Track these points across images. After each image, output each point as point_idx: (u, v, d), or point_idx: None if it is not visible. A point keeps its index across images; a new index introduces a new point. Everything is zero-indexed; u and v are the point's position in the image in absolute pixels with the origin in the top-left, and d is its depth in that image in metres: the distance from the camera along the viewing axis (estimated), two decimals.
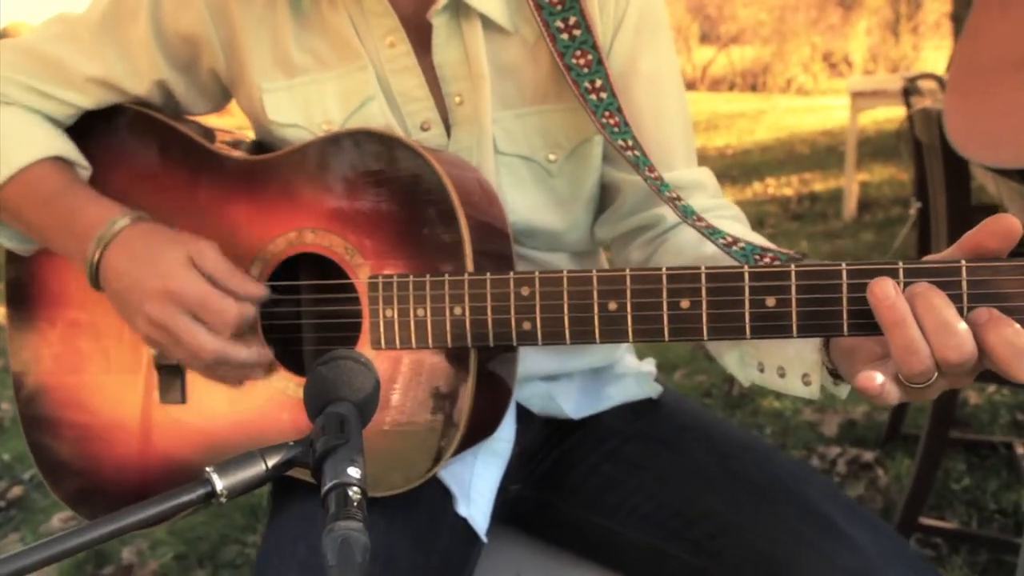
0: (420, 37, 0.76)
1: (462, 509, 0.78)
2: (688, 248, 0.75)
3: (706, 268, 0.60)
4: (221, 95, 0.85)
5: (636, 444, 0.85)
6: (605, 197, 0.85)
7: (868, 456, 1.92)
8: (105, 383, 0.81)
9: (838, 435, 2.04)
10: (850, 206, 4.07)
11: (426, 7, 0.74)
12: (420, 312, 0.68)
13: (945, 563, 1.56)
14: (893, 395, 0.54)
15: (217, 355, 0.70)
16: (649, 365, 0.95)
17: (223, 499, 0.40)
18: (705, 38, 16.00)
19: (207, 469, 0.41)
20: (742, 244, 0.69)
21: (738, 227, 0.77)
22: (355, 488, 0.39)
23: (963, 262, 0.53)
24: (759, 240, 0.72)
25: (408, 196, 0.70)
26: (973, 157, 1.24)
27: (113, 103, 0.82)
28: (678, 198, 0.73)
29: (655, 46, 0.80)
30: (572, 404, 0.88)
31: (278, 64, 0.77)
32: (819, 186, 4.84)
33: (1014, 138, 1.19)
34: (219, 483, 0.40)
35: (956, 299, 0.53)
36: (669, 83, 0.82)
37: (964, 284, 0.53)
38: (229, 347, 0.71)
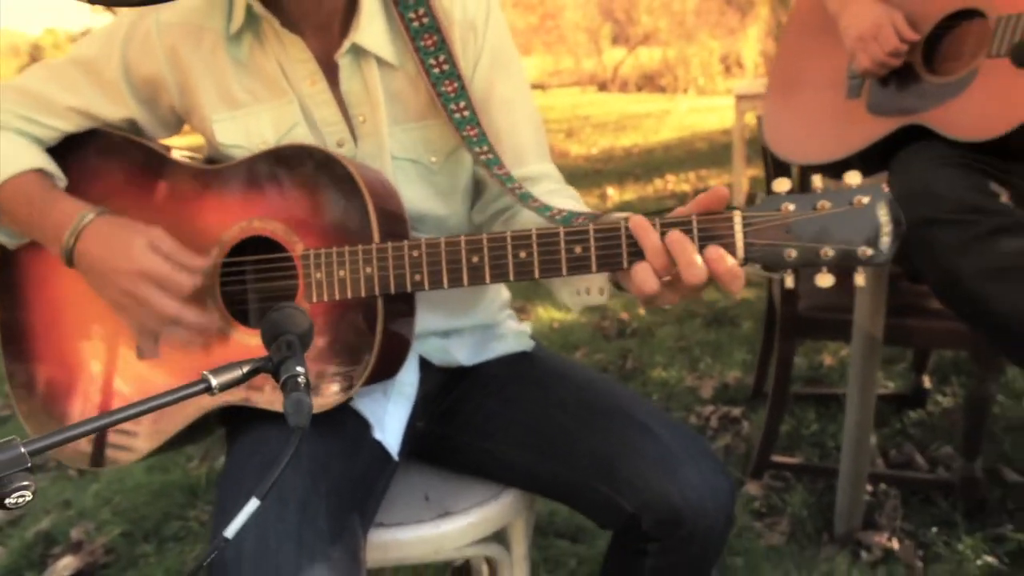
0: (331, 73, 1.01)
1: (377, 435, 1.02)
2: (529, 221, 1.01)
3: (536, 230, 0.85)
4: (176, 123, 1.07)
5: (513, 385, 1.10)
6: (476, 189, 1.12)
7: (736, 412, 2.25)
8: (89, 344, 1.03)
9: (713, 396, 2.37)
10: (739, 199, 4.46)
11: (334, 50, 0.99)
12: (341, 273, 0.92)
13: (791, 490, 1.89)
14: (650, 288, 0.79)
15: (175, 316, 0.93)
16: (525, 327, 1.21)
17: (216, 391, 0.63)
18: (616, 40, 16.51)
19: (204, 372, 0.64)
20: (564, 213, 0.95)
21: (570, 202, 1.03)
22: (301, 377, 0.63)
23: (694, 216, 0.80)
24: (579, 209, 0.98)
25: (330, 190, 0.95)
26: (782, 155, 1.55)
27: (90, 128, 1.03)
28: (519, 187, 0.99)
29: (507, 76, 1.07)
30: (464, 354, 1.13)
31: (223, 100, 1.00)
32: (714, 181, 5.24)
33: (810, 141, 1.51)
34: (214, 380, 0.63)
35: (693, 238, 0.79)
36: (520, 102, 1.08)
37: (695, 231, 0.80)
38: (184, 310, 0.94)
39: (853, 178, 0.78)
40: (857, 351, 1.61)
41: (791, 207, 0.78)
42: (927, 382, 2.24)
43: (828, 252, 0.77)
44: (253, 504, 0.53)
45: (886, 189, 0.77)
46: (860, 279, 0.78)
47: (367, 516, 0.96)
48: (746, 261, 0.80)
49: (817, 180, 0.79)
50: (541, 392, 1.08)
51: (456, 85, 1.02)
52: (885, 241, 0.76)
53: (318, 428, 0.93)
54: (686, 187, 5.18)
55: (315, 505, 0.86)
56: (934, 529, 1.73)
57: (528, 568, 1.15)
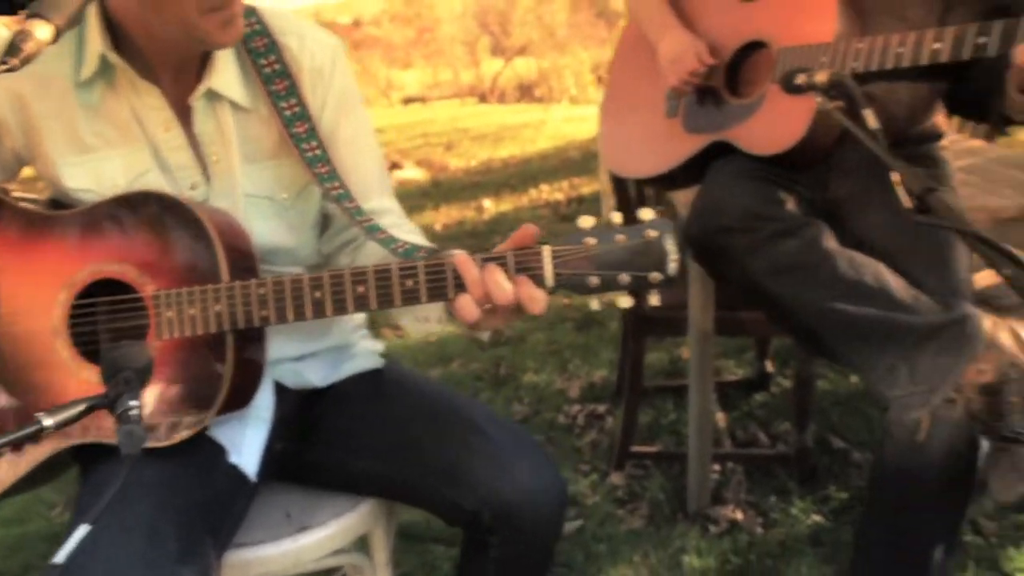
0: (185, 116, 1.06)
1: (234, 459, 1.07)
2: (373, 251, 1.10)
3: (373, 266, 0.94)
4: (16, 166, 1.09)
5: (365, 401, 1.18)
6: (324, 222, 1.19)
7: (601, 409, 2.40)
8: None
9: (580, 396, 2.51)
10: (608, 205, 4.69)
11: (188, 93, 1.04)
12: (192, 312, 0.97)
13: (650, 477, 2.04)
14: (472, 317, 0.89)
15: None
16: (377, 345, 1.29)
17: (51, 430, 0.68)
18: (495, 51, 16.78)
19: (37, 414, 0.68)
20: (407, 246, 1.04)
21: (412, 236, 1.12)
22: (134, 410, 0.69)
23: (510, 252, 0.91)
24: (420, 242, 1.07)
25: (178, 233, 1.00)
26: (616, 171, 1.70)
27: None
28: (367, 220, 1.07)
29: (352, 117, 1.15)
30: (318, 376, 1.20)
31: (71, 144, 1.03)
32: (586, 189, 5.47)
33: (639, 157, 1.66)
34: (48, 420, 0.68)
35: (506, 271, 0.90)
36: (364, 143, 1.17)
37: (511, 262, 0.90)
38: None
39: (646, 214, 0.91)
40: (693, 343, 1.78)
41: (593, 241, 0.90)
42: (770, 366, 2.47)
43: (625, 278, 0.90)
44: (83, 530, 0.59)
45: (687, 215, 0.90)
46: (654, 299, 0.91)
47: (222, 537, 1.01)
48: (556, 288, 0.91)
49: (616, 217, 0.92)
50: (390, 406, 1.17)
51: (307, 126, 1.09)
52: (672, 266, 0.90)
53: (170, 456, 0.97)
54: (559, 196, 5.38)
55: (164, 530, 0.90)
56: (773, 498, 1.93)
57: (391, 573, 1.23)
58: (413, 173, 7.41)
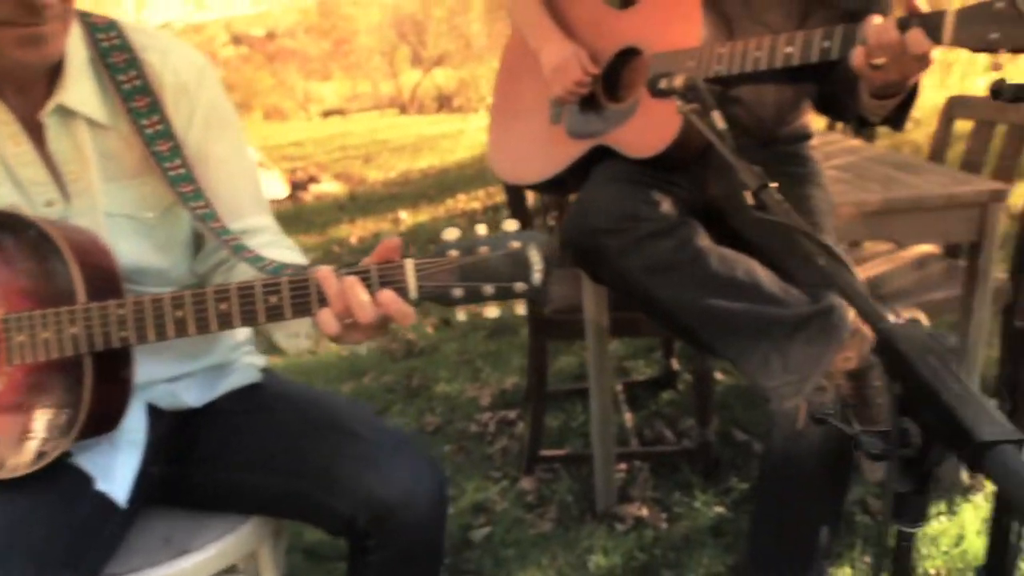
0: (36, 132, 1.01)
1: (101, 486, 1.03)
2: (248, 272, 1.07)
3: (235, 284, 0.92)
4: None
5: (242, 415, 1.16)
6: (198, 242, 1.16)
7: (512, 415, 2.41)
8: None
9: (491, 403, 2.52)
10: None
11: (38, 109, 0.99)
12: (45, 335, 0.93)
13: (559, 480, 2.06)
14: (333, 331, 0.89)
15: None
16: (259, 360, 1.27)
17: None
18: (414, 62, 16.73)
19: None
20: (275, 264, 1.02)
21: (287, 253, 1.10)
22: None
23: (373, 266, 0.90)
24: (293, 260, 1.06)
25: (29, 253, 0.95)
26: (504, 178, 1.72)
27: None
28: (234, 239, 1.05)
29: (222, 135, 1.12)
30: (193, 396, 1.17)
31: None
32: (500, 198, 5.50)
33: (526, 164, 1.68)
34: None
35: (370, 284, 0.90)
36: (236, 162, 1.14)
37: (374, 276, 0.90)
38: None
39: (510, 225, 0.93)
40: (591, 345, 1.81)
41: (456, 253, 0.91)
42: (676, 364, 2.52)
43: (489, 289, 0.91)
44: None
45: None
46: (519, 308, 0.92)
47: (85, 568, 0.97)
48: (420, 300, 0.91)
49: (481, 228, 0.93)
50: (267, 417, 1.15)
51: (170, 144, 1.06)
52: (536, 276, 0.91)
53: (26, 486, 0.93)
54: (476, 205, 5.40)
55: (13, 562, 0.86)
56: (677, 493, 1.97)
57: None
58: (330, 186, 7.31)
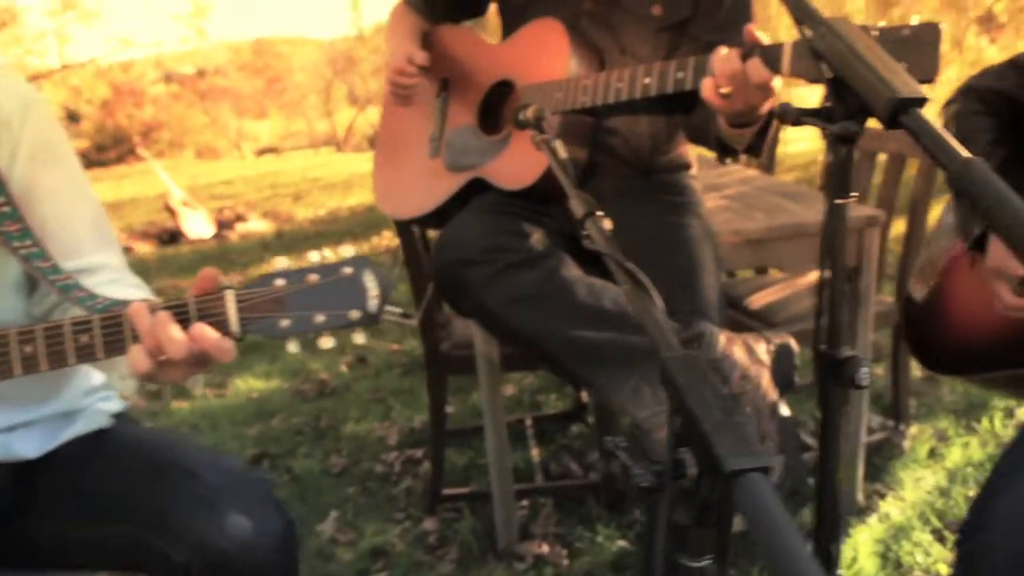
0: None
1: None
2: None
3: (42, 324, 0.86)
4: None
5: (84, 465, 1.09)
6: (32, 283, 1.09)
7: (418, 454, 2.36)
8: None
9: (399, 442, 2.46)
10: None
11: None
12: None
13: (463, 519, 2.01)
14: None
15: None
16: (112, 405, 1.20)
17: None
18: (350, 100, 16.72)
19: None
20: (107, 302, 0.97)
21: (131, 291, 1.05)
22: None
23: (191, 299, 0.86)
24: (137, 296, 1.01)
25: None
26: (389, 213, 1.70)
27: None
28: (65, 278, 1.00)
29: (53, 169, 1.07)
30: (32, 446, 1.09)
31: None
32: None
33: (408, 198, 1.66)
34: None
35: (187, 318, 0.85)
36: (70, 195, 1.09)
37: (192, 309, 0.86)
38: None
39: (345, 251, 0.90)
40: (482, 381, 1.78)
41: (282, 283, 0.87)
42: (585, 397, 2.51)
43: (320, 318, 0.87)
44: None
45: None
46: (358, 338, 0.89)
47: None
48: (244, 333, 0.88)
49: (313, 255, 0.89)
50: (109, 463, 1.08)
51: None
52: (372, 303, 0.88)
53: None
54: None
55: None
56: (580, 527, 1.94)
57: None
58: (257, 225, 7.20)
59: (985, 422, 2.31)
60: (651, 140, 1.52)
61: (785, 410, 1.28)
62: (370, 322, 0.89)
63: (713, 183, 2.24)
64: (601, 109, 1.36)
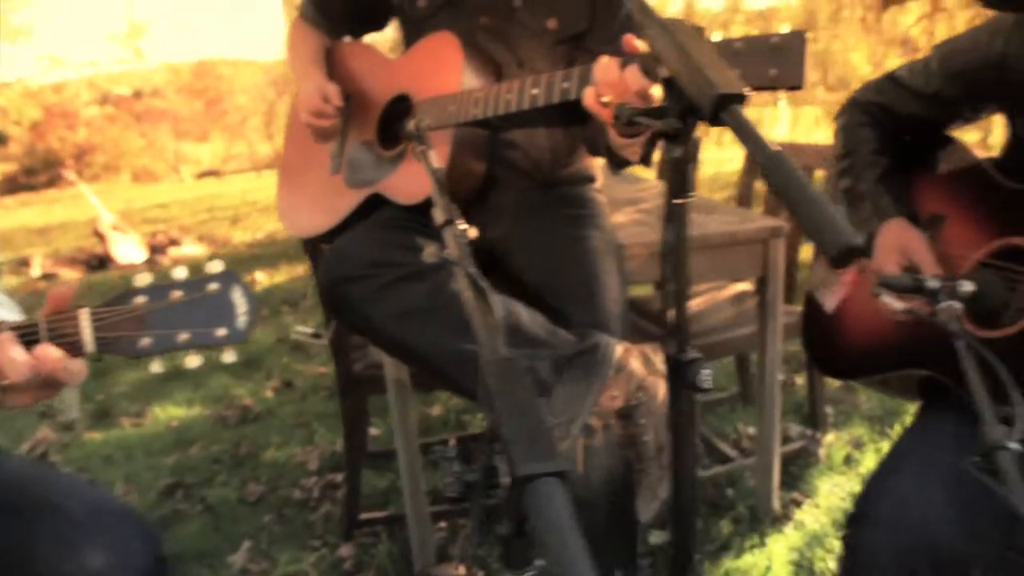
0: None
1: None
2: None
3: None
4: None
5: None
6: None
7: (338, 478, 2.30)
8: None
9: (319, 467, 2.40)
10: None
11: None
12: None
13: (380, 544, 1.96)
14: None
15: None
16: None
17: None
18: None
19: None
20: None
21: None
22: None
23: (42, 318, 0.82)
24: (6, 317, 0.95)
25: None
26: (293, 232, 1.66)
27: None
28: None
29: None
30: None
31: None
32: None
33: (311, 216, 1.63)
34: None
35: (36, 338, 0.81)
36: None
37: (43, 330, 0.82)
38: None
39: (213, 266, 0.86)
40: (392, 401, 1.74)
41: (142, 300, 0.84)
42: None
43: (184, 336, 0.84)
44: None
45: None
46: (227, 356, 0.86)
47: None
48: (100, 354, 0.83)
49: (177, 272, 0.86)
50: None
51: None
52: (242, 320, 0.85)
53: None
54: None
55: None
56: (501, 547, 1.91)
57: None
58: (192, 249, 7.04)
59: (898, 427, 2.36)
60: (551, 152, 1.52)
61: None
62: (238, 340, 0.86)
63: (631, 197, 2.25)
64: (496, 121, 1.36)
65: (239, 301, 0.86)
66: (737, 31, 8.94)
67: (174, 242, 7.19)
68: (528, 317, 1.29)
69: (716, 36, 1.02)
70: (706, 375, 0.74)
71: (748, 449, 2.31)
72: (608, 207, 1.64)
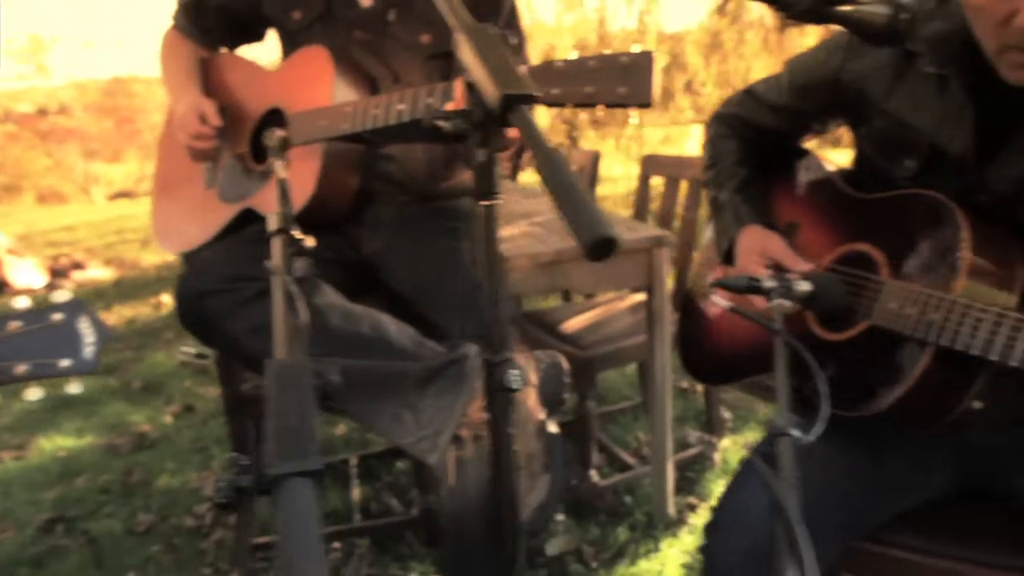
0: None
1: None
2: None
3: None
4: None
5: None
6: None
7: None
8: None
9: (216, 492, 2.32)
10: None
11: None
12: None
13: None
14: None
15: None
16: None
17: None
18: None
19: None
20: None
21: None
22: None
23: None
24: None
25: None
26: (167, 249, 1.61)
27: None
28: None
29: None
30: None
31: None
32: None
33: (184, 232, 1.59)
34: None
35: None
36: None
37: None
38: None
39: (60, 295, 0.84)
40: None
41: None
42: None
43: (22, 368, 0.81)
44: None
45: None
46: (72, 387, 0.83)
47: None
48: None
49: (19, 302, 0.83)
50: None
51: None
52: (89, 350, 0.83)
53: None
54: None
55: None
56: (394, 565, 1.88)
57: None
58: (97, 273, 6.76)
59: None
60: (427, 166, 1.52)
61: (553, 428, 1.28)
62: (86, 370, 0.84)
63: (527, 211, 2.28)
64: (368, 136, 1.35)
65: (86, 331, 0.84)
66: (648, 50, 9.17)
67: (78, 265, 6.89)
68: (396, 329, 1.28)
69: (573, 55, 1.05)
70: (513, 375, 0.75)
71: (648, 457, 2.34)
72: (499, 220, 1.65)
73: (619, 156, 8.49)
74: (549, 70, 1.06)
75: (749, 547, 0.97)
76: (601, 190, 6.22)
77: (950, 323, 0.92)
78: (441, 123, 0.70)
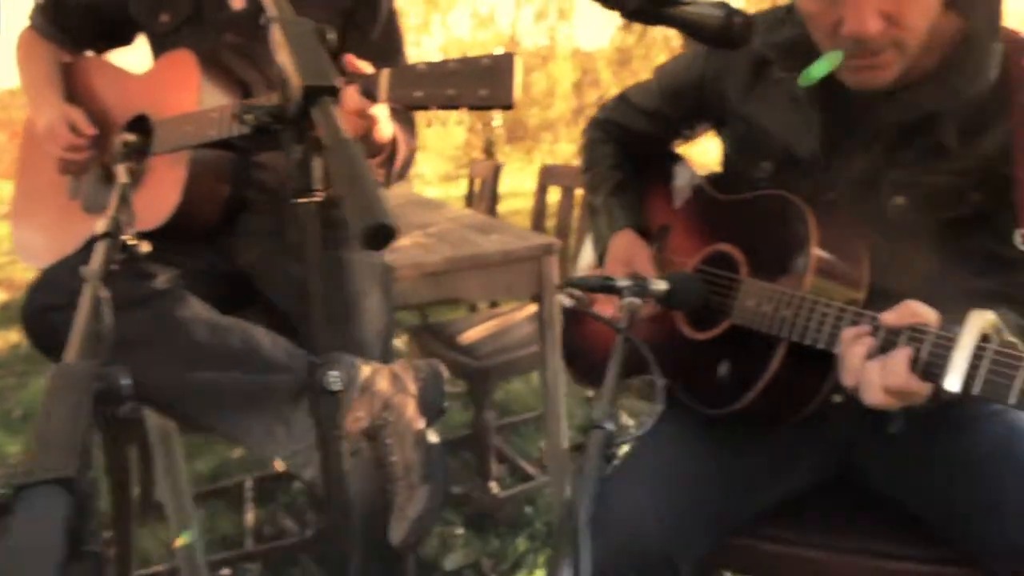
0: None
1: None
2: None
3: None
4: None
5: None
6: None
7: (108, 535, 2.11)
8: None
9: (96, 524, 2.19)
10: None
11: None
12: None
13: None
14: None
15: None
16: None
17: None
18: None
19: None
20: None
21: None
22: None
23: None
24: None
25: None
26: (31, 264, 1.52)
27: None
28: None
29: None
30: None
31: None
32: None
33: (47, 246, 1.50)
34: None
35: None
36: None
37: None
38: None
39: None
40: (155, 447, 1.62)
41: None
42: None
43: None
44: None
45: None
46: None
47: None
48: None
49: None
50: None
51: None
52: None
53: None
54: None
55: None
56: None
57: None
58: None
59: None
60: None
61: (433, 438, 1.27)
62: None
63: (423, 221, 2.26)
64: (240, 142, 1.31)
65: None
66: (561, 66, 9.37)
67: None
68: (270, 342, 1.24)
69: (436, 57, 1.04)
70: (332, 376, 0.73)
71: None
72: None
73: (532, 171, 8.57)
74: (411, 73, 1.05)
75: (612, 549, 0.97)
76: (513, 204, 6.27)
77: (799, 319, 0.95)
78: (248, 116, 0.68)
